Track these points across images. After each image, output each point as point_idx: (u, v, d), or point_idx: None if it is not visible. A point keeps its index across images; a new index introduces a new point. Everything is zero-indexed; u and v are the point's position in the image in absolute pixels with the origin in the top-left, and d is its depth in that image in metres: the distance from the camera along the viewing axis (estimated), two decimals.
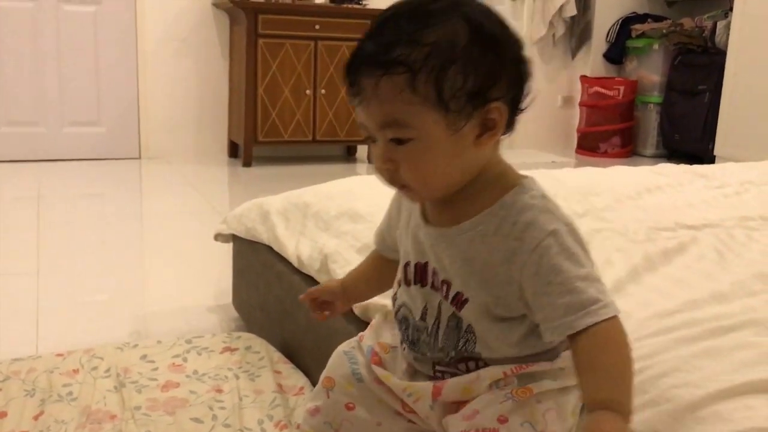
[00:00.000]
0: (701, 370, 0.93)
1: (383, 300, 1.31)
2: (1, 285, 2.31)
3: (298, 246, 1.67)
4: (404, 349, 0.99)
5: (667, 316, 1.08)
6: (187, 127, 4.71)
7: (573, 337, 0.80)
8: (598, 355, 0.79)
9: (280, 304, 1.72)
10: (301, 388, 1.49)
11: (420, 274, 0.93)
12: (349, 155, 5.07)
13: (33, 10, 4.25)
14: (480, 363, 0.90)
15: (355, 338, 1.08)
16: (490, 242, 0.84)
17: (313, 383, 1.50)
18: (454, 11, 0.80)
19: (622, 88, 5.28)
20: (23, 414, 1.39)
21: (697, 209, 1.79)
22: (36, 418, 1.38)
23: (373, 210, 1.58)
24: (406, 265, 0.95)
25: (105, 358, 1.61)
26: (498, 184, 0.87)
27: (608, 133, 5.36)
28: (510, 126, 0.86)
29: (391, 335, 1.04)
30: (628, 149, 5.40)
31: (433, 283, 0.91)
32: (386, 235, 1.06)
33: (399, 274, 0.97)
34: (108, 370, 1.56)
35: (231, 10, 4.47)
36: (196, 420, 1.38)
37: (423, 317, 0.93)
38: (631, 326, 1.05)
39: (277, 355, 1.63)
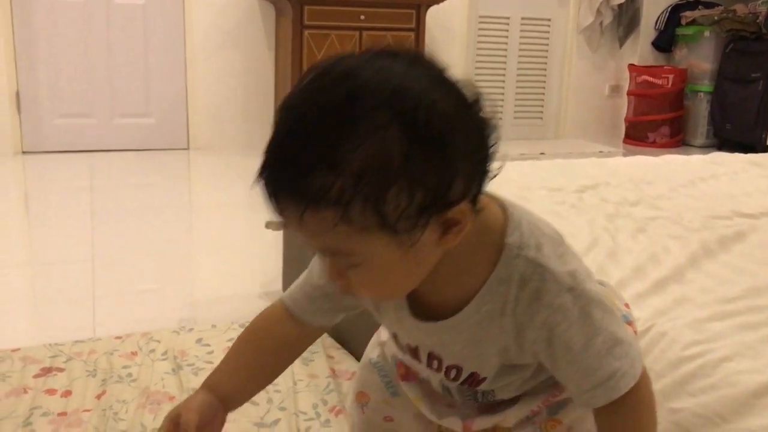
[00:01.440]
0: (764, 356, 0.92)
1: None
2: (59, 272, 2.38)
3: None
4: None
5: (729, 302, 1.07)
6: (233, 119, 4.77)
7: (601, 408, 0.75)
8: (620, 425, 0.75)
9: None
10: (354, 374, 1.50)
11: (412, 353, 0.84)
12: None
13: (84, 4, 4.35)
14: (508, 401, 0.86)
15: (378, 339, 0.99)
16: (499, 323, 0.74)
17: None
18: (378, 111, 0.61)
19: (671, 77, 5.18)
20: (86, 393, 1.43)
21: (754, 198, 1.75)
22: (98, 397, 1.42)
23: None
24: (395, 335, 0.86)
25: (162, 341, 1.65)
26: (482, 249, 0.73)
27: (657, 122, 5.27)
28: (477, 213, 0.70)
29: None
30: (677, 139, 5.29)
31: (429, 364, 0.83)
32: (319, 295, 0.87)
33: (388, 333, 0.89)
34: (165, 353, 1.60)
35: (277, 2, 4.50)
36: (252, 403, 1.40)
37: (429, 381, 0.89)
38: (691, 311, 1.04)
39: (329, 341, 1.65)
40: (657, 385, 0.87)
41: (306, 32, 4.33)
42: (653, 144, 5.27)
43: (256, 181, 0.67)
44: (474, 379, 0.81)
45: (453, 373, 0.81)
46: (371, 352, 0.99)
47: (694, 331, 0.98)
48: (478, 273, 0.73)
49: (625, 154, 4.87)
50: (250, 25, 4.66)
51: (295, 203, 0.63)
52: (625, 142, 5.47)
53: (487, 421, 0.88)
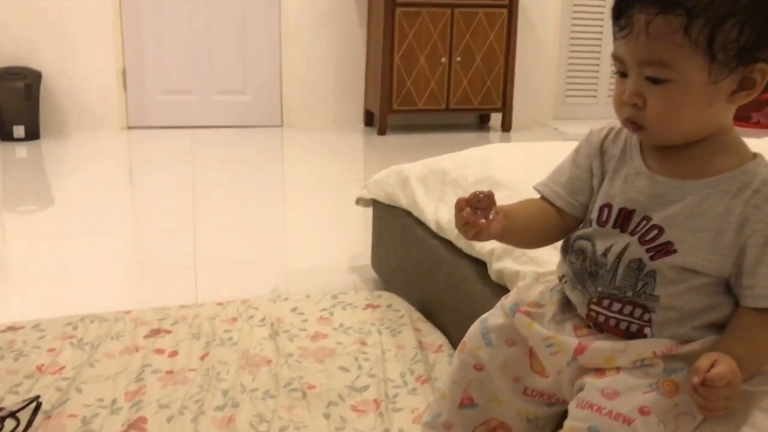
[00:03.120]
0: None
1: (516, 265, 1.35)
2: (163, 240, 2.54)
3: (437, 211, 1.73)
4: (565, 282, 1.00)
5: None
6: (325, 96, 4.87)
7: (760, 309, 0.85)
8: None
9: (418, 266, 1.80)
10: (440, 346, 1.56)
11: (622, 219, 0.93)
12: (482, 124, 5.06)
13: None
14: (645, 316, 0.90)
15: (499, 302, 1.09)
16: (727, 204, 0.86)
17: (452, 342, 1.57)
18: None
19: None
20: (191, 354, 1.55)
21: None
22: (202, 358, 1.53)
23: (510, 177, 1.61)
24: (605, 206, 0.95)
25: (260, 308, 1.75)
26: (735, 151, 0.89)
27: (761, 102, 5.02)
28: (766, 89, 0.86)
29: (537, 293, 1.05)
30: None
31: (634, 229, 0.91)
32: (565, 184, 1.02)
33: (592, 214, 0.97)
34: (263, 320, 1.70)
35: None
36: (343, 369, 1.48)
37: (605, 254, 0.94)
38: None
39: (416, 314, 1.71)
40: None
41: (398, 10, 4.36)
42: (757, 125, 5.03)
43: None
44: (665, 249, 0.88)
45: (653, 233, 0.89)
46: (487, 313, 1.08)
47: None
48: (727, 163, 0.87)
49: None
50: (343, 3, 4.73)
51: (652, 7, 0.81)
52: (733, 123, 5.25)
53: (602, 351, 0.91)
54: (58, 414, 1.31)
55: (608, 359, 0.90)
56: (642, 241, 0.90)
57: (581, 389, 0.91)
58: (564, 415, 0.94)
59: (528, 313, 1.01)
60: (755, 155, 0.89)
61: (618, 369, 0.89)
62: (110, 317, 1.71)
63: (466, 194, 0.99)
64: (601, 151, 0.99)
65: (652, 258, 0.89)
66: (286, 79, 4.77)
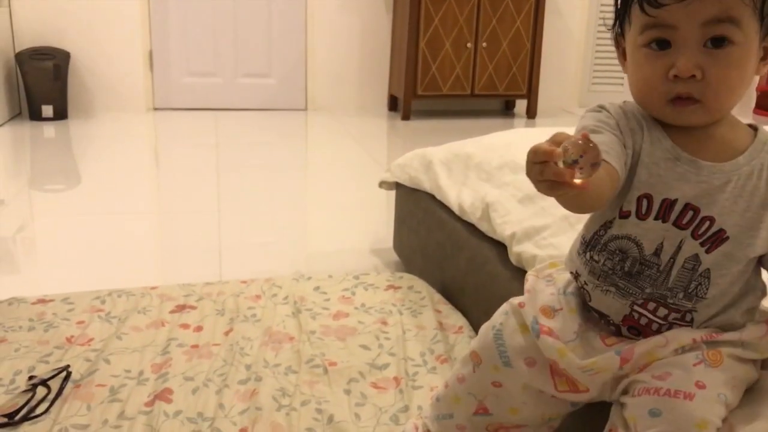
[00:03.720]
0: None
1: (535, 249, 1.36)
2: (188, 220, 2.57)
3: (460, 195, 1.74)
4: (585, 284, 0.95)
5: None
6: (350, 81, 4.89)
7: None
8: None
9: (440, 248, 1.81)
10: (460, 328, 1.57)
11: (664, 210, 0.88)
12: (507, 110, 5.05)
13: None
14: (688, 316, 0.89)
15: (508, 305, 1.03)
16: (765, 176, 0.86)
17: (472, 324, 1.59)
18: None
19: None
20: (216, 329, 1.58)
21: None
22: (226, 333, 1.56)
23: None
24: (644, 197, 0.89)
25: (283, 287, 1.78)
26: (740, 124, 0.90)
27: None
28: None
29: (548, 295, 1.00)
30: None
31: (679, 220, 0.87)
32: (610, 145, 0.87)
33: (629, 206, 0.90)
34: (286, 298, 1.72)
35: None
36: (364, 347, 1.51)
37: (657, 253, 0.89)
38: None
39: (437, 296, 1.73)
40: None
41: None
42: None
43: None
44: (719, 237, 0.86)
45: (705, 225, 0.87)
46: (496, 319, 1.03)
47: None
48: (743, 137, 0.88)
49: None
50: None
51: None
52: (755, 112, 5.17)
53: (645, 349, 0.88)
54: (87, 383, 1.35)
55: (650, 354, 0.88)
56: (695, 234, 0.87)
57: (627, 388, 0.89)
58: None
59: (551, 332, 0.94)
60: (755, 125, 0.90)
61: (662, 359, 0.88)
62: (137, 292, 1.75)
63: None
64: (628, 128, 0.90)
65: (708, 251, 0.87)
66: (311, 63, 4.79)
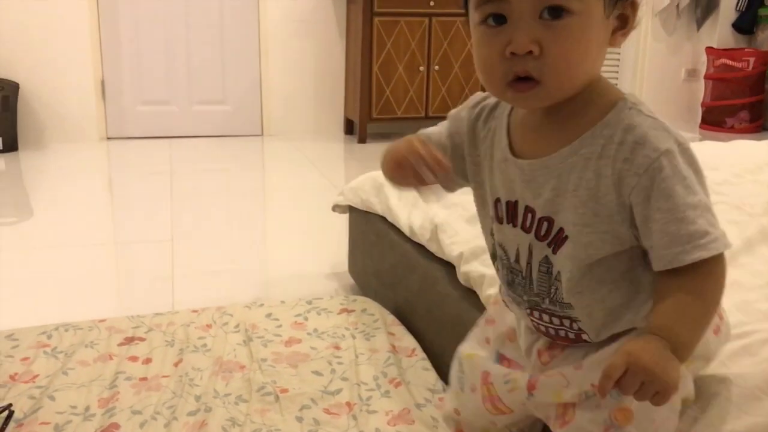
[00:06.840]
0: None
1: (483, 268, 1.36)
2: (141, 250, 2.53)
3: (410, 216, 1.74)
4: (501, 289, 0.96)
5: None
6: (305, 105, 4.89)
7: (673, 269, 0.74)
8: (694, 288, 0.74)
9: (393, 270, 1.81)
10: (413, 350, 1.57)
11: (510, 214, 0.86)
12: None
13: None
14: (574, 325, 0.86)
15: (482, 333, 1.05)
16: (595, 167, 0.77)
17: (424, 346, 1.59)
18: None
19: (752, 60, 5.00)
20: (165, 361, 1.55)
21: None
22: (176, 364, 1.53)
23: None
24: (497, 201, 0.88)
25: (234, 315, 1.76)
26: (600, 101, 0.79)
27: (736, 107, 5.10)
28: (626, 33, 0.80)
29: (509, 320, 1.00)
30: (757, 124, 5.11)
31: (524, 223, 0.85)
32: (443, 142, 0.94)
33: (490, 211, 0.90)
34: (237, 326, 1.70)
35: None
36: (317, 373, 1.49)
37: (517, 259, 0.87)
38: (740, 294, 1.06)
39: (390, 318, 1.72)
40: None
41: (376, 19, 4.39)
42: (731, 129, 5.10)
43: None
44: (559, 237, 0.81)
45: (545, 226, 0.82)
46: (467, 348, 1.06)
47: (742, 313, 1.00)
48: (589, 120, 0.79)
49: (701, 140, 4.75)
50: (322, 13, 4.76)
51: None
52: (701, 127, 5.31)
53: (549, 387, 0.87)
54: (30, 422, 1.31)
55: (557, 394, 0.87)
56: (539, 236, 0.84)
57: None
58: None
59: (509, 364, 0.99)
60: (620, 99, 0.79)
61: (573, 405, 0.86)
62: (84, 326, 1.71)
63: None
64: (470, 138, 0.92)
65: (554, 251, 0.83)
66: (266, 89, 4.79)
